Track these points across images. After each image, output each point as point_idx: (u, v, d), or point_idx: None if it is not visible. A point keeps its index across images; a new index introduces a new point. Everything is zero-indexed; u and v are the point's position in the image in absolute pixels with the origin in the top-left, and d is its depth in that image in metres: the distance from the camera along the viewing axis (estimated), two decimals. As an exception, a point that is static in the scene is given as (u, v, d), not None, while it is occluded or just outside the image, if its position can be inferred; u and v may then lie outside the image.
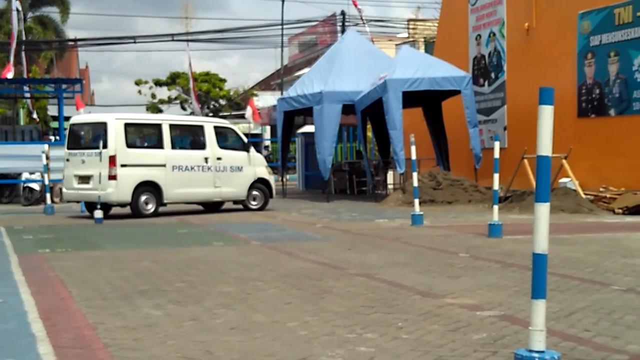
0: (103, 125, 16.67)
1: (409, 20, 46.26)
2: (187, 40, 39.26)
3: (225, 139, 18.23)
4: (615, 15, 18.37)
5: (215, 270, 8.48)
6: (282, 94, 30.98)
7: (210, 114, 42.66)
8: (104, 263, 9.20)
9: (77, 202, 17.63)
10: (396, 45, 39.51)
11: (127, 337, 5.34)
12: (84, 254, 10.24)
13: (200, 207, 18.76)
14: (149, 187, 16.69)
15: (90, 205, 17.11)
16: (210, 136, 17.62)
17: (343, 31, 38.63)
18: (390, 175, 24.43)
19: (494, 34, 23.13)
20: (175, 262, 9.21)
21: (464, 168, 21.65)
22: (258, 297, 6.77)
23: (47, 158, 18.52)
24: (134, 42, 42.37)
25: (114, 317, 6.01)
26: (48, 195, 18.70)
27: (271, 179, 18.68)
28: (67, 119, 29.61)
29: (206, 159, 17.44)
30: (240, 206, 18.52)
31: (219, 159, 17.61)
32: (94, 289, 7.34)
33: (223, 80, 47.57)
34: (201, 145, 17.60)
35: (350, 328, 5.48)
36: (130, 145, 16.69)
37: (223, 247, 10.99)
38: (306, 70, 34.24)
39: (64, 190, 17.67)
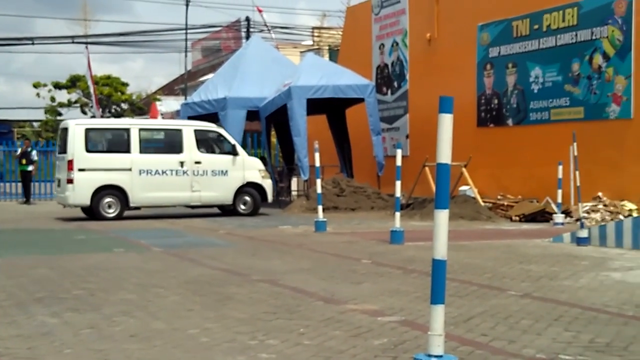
0: (66, 131, 17.10)
1: (314, 28, 46.55)
2: (87, 43, 38.51)
3: (207, 142, 18.02)
4: (513, 28, 18.90)
5: (115, 277, 8.31)
6: (186, 99, 30.67)
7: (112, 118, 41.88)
8: (-2, 270, 8.92)
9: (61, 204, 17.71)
10: (301, 52, 39.67)
11: (22, 346, 5.17)
12: (-23, 261, 9.90)
13: (172, 211, 19.02)
14: (113, 191, 16.91)
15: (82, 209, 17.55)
16: (188, 140, 17.54)
17: (247, 37, 38.56)
18: (294, 181, 24.46)
19: (397, 44, 23.47)
20: (73, 268, 8.99)
21: (367, 175, 21.88)
22: (159, 304, 6.67)
23: None
24: (32, 44, 41.34)
25: (8, 325, 5.82)
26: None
27: (265, 183, 18.28)
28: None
29: (182, 163, 17.36)
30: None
31: (197, 162, 17.48)
32: (-13, 296, 7.10)
33: (125, 84, 46.85)
34: (177, 149, 17.52)
35: (252, 334, 5.45)
36: (90, 150, 16.93)
37: (123, 254, 10.78)
38: (210, 75, 34.00)
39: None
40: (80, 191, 16.65)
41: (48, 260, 9.93)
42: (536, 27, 18.23)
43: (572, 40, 17.30)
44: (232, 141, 18.17)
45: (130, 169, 16.99)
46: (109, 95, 44.91)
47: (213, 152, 18.00)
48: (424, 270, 8.45)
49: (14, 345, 5.18)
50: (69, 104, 46.43)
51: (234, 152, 17.96)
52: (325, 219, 13.86)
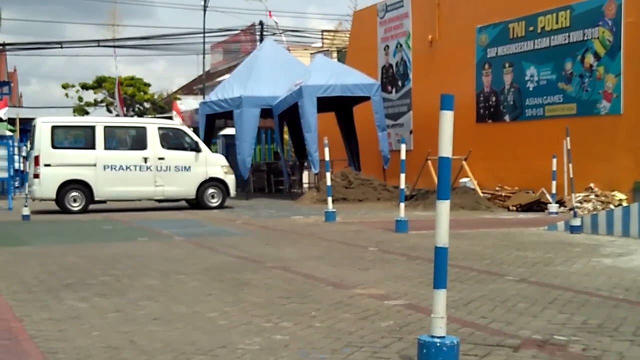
0: (34, 128, 16.78)
1: (323, 30, 46.45)
2: (114, 46, 38.56)
3: (171, 139, 17.70)
4: (510, 30, 18.82)
5: (140, 264, 8.33)
6: (204, 98, 30.67)
7: (135, 117, 41.93)
8: (32, 258, 8.95)
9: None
10: (311, 54, 39.57)
11: (53, 328, 5.19)
12: (11, 250, 9.93)
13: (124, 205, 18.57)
14: (78, 185, 16.58)
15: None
16: (152, 137, 17.24)
17: (261, 40, 38.49)
18: (305, 175, 24.49)
19: (401, 45, 23.41)
20: (100, 256, 9.01)
21: (374, 168, 21.86)
22: (180, 290, 6.68)
23: None
24: (61, 47, 41.37)
25: (40, 309, 5.84)
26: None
27: (228, 178, 17.93)
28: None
29: (145, 159, 17.11)
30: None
31: (161, 158, 17.22)
32: (21, 282, 7.12)
33: (147, 85, 46.86)
34: (141, 146, 17.24)
35: (267, 317, 5.46)
36: (56, 146, 16.58)
37: (147, 243, 10.81)
38: (227, 76, 33.97)
39: None
40: (46, 185, 16.39)
41: (77, 248, 9.97)
42: (531, 28, 18.16)
43: (565, 41, 17.22)
44: (195, 138, 17.89)
45: (95, 165, 16.69)
46: (133, 95, 44.90)
47: (176, 148, 17.54)
48: (427, 257, 8.43)
49: (46, 328, 5.20)
50: (95, 103, 46.48)
51: (197, 149, 17.60)
52: (334, 210, 13.85)
